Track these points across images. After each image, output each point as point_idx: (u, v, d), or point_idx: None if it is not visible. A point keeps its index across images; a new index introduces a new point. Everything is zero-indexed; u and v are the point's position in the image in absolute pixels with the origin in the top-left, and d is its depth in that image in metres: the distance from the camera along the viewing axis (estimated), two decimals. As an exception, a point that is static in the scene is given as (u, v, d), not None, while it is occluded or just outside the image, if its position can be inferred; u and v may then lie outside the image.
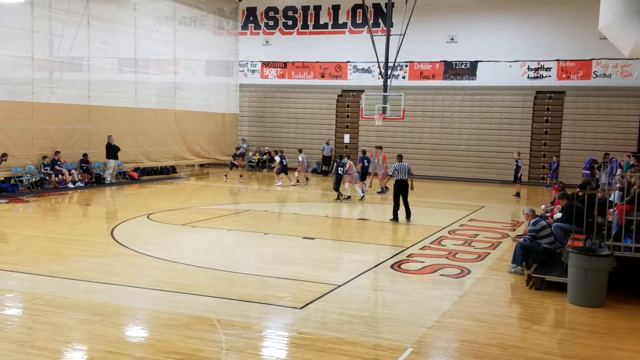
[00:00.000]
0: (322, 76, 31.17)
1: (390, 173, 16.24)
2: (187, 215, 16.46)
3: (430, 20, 28.41)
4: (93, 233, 13.45)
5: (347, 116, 30.63)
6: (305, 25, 31.48)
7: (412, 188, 15.92)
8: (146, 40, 25.39)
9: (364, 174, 22.10)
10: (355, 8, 30.18)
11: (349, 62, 30.63)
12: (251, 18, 32.36)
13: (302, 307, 8.37)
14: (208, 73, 30.14)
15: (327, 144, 29.53)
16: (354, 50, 30.10)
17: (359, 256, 12.17)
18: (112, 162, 22.55)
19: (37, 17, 20.60)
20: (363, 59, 29.61)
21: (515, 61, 27.94)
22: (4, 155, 18.75)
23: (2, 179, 19.29)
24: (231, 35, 31.58)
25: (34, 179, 20.17)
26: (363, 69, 30.36)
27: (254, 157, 30.87)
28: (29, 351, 6.54)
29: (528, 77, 27.94)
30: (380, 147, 23.93)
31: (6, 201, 17.44)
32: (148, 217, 15.69)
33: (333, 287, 9.42)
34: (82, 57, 22.84)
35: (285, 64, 31.93)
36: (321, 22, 31.13)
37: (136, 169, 24.97)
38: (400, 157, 16.47)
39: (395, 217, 15.78)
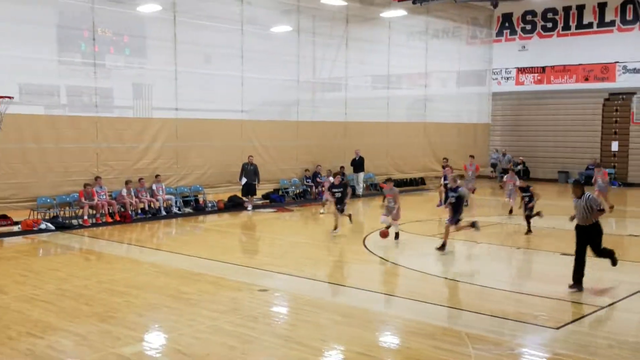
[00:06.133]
0: (586, 79, 28.74)
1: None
2: (437, 227, 16.42)
3: None
4: (347, 241, 14.18)
5: (615, 121, 27.74)
6: (566, 27, 29.39)
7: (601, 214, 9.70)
8: (398, 56, 26.14)
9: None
10: (624, 4, 27.27)
11: (617, 62, 27.75)
12: (507, 24, 31.26)
13: (559, 328, 7.76)
14: (459, 84, 29.89)
15: (504, 154, 27.72)
16: (623, 50, 27.22)
17: (628, 277, 10.85)
18: (360, 175, 23.50)
19: (302, 43, 22.69)
20: (634, 58, 26.61)
21: None
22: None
23: (272, 190, 21.56)
24: (484, 44, 30.89)
25: (297, 191, 22.15)
26: (634, 69, 27.25)
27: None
28: (293, 346, 7.10)
29: None
30: (473, 156, 21.24)
31: (275, 210, 19.46)
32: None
33: (595, 309, 8.57)
34: (340, 77, 24.49)
35: (543, 69, 30.17)
36: (585, 22, 28.75)
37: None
38: (577, 185, 9.72)
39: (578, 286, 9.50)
